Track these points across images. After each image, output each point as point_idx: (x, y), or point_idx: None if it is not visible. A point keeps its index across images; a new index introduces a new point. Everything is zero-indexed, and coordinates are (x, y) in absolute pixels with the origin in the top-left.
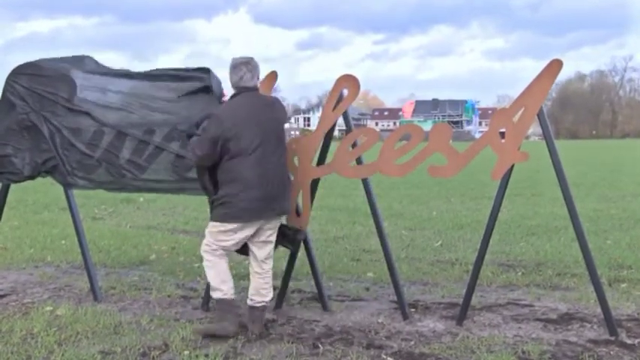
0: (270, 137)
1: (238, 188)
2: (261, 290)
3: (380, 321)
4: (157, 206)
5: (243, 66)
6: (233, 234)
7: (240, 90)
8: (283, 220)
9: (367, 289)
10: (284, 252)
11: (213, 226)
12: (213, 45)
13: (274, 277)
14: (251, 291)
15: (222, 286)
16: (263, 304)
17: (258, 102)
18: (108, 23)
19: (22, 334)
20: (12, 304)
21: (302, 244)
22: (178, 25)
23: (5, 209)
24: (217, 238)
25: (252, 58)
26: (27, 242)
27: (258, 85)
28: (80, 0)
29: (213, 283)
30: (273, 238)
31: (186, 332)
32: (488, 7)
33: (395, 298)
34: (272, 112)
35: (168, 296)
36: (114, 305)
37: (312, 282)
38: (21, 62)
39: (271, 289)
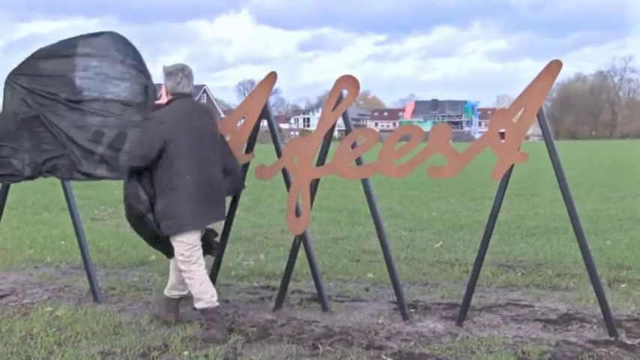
0: (206, 143)
1: (179, 197)
2: (179, 285)
3: (380, 321)
4: None
5: (180, 72)
6: (193, 238)
7: (177, 96)
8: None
9: (367, 289)
10: (283, 252)
11: (172, 238)
12: (215, 46)
13: (274, 277)
14: (169, 285)
15: (204, 296)
16: (179, 296)
17: (194, 108)
18: (109, 24)
19: (21, 334)
20: (11, 304)
21: (302, 244)
22: (180, 26)
23: (5, 210)
24: (183, 246)
25: (186, 65)
26: (27, 243)
27: (193, 91)
28: (81, 1)
29: (194, 293)
30: None
31: (185, 333)
32: (489, 8)
33: (395, 299)
34: (206, 118)
35: None
36: (114, 306)
37: (312, 282)
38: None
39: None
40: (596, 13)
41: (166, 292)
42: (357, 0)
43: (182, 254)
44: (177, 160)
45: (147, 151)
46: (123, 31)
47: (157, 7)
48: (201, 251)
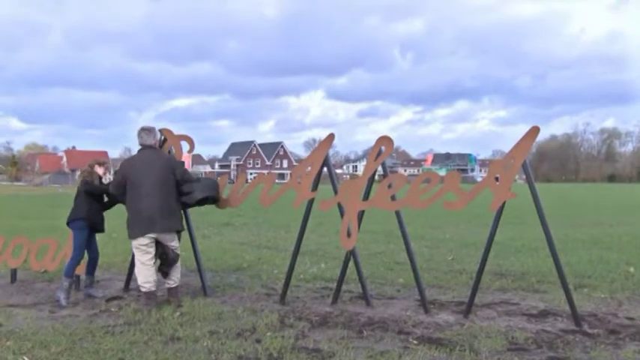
0: (153, 177)
1: (132, 214)
2: (168, 280)
3: (408, 314)
4: (248, 228)
5: (143, 132)
6: (143, 245)
7: (142, 147)
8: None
9: (398, 290)
10: (338, 263)
11: (132, 244)
12: (298, 114)
13: (331, 280)
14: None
15: (147, 284)
16: (172, 284)
17: (151, 155)
18: (226, 100)
19: (156, 317)
20: None
21: (351, 257)
22: (276, 100)
23: None
24: (139, 250)
25: (148, 127)
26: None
27: (154, 143)
28: (207, 83)
29: (140, 281)
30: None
31: (268, 319)
32: (497, 87)
33: (419, 298)
34: (159, 160)
35: (256, 293)
36: (217, 299)
37: (359, 285)
38: None
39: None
40: (573, 92)
41: (167, 285)
42: (402, 81)
43: (137, 255)
44: (130, 191)
45: (117, 184)
46: (233, 105)
47: (261, 87)
48: (149, 254)
